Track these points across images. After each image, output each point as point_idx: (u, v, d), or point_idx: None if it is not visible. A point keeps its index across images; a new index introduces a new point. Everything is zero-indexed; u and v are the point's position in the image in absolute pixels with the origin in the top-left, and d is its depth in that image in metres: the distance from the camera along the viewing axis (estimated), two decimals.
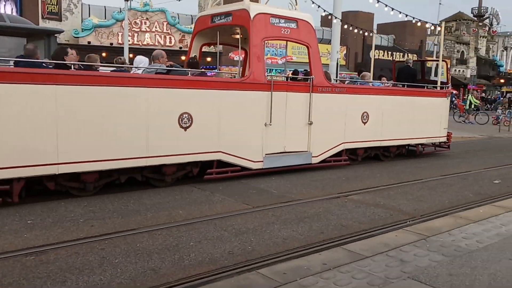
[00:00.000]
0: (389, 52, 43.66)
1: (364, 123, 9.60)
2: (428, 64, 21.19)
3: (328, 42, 26.19)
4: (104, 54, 26.01)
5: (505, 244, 4.13)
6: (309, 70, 8.81)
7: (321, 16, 43.99)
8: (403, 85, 10.76)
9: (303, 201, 6.40)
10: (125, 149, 6.33)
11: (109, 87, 6.19)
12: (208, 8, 9.17)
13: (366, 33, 40.29)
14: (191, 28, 30.50)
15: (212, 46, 15.15)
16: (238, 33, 8.82)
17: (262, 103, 7.84)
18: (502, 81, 54.27)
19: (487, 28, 50.23)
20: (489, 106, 40.31)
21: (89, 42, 25.95)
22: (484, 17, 51.41)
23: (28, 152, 5.55)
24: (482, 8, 51.66)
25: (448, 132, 11.59)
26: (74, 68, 6.06)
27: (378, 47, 43.33)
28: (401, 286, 3.14)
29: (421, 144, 11.26)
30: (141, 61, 7.42)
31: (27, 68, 5.67)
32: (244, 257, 4.14)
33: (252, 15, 7.78)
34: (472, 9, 52.78)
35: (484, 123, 22.27)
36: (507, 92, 44.58)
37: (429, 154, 11.55)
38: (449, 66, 11.91)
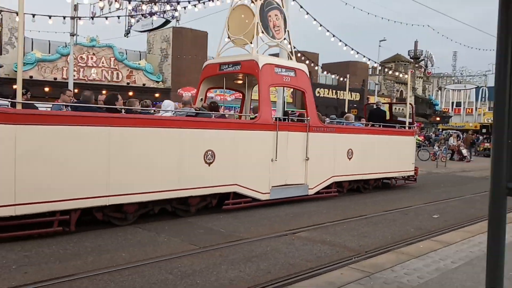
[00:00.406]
0: (334, 91, 45.34)
1: (349, 158, 10.77)
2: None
3: None
4: (47, 89, 25.22)
5: (443, 279, 4.27)
6: (295, 111, 10.55)
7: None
8: (379, 125, 12.26)
9: (251, 239, 6.34)
10: (161, 182, 7.09)
11: (149, 128, 7.02)
12: (215, 57, 10.34)
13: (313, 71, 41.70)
14: (139, 64, 30.41)
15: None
16: (241, 79, 10.58)
17: (269, 141, 8.85)
18: (438, 119, 57.65)
19: (422, 70, 53.61)
20: (427, 143, 42.47)
21: (31, 77, 25.13)
22: (420, 59, 54.95)
23: (85, 185, 6.23)
24: (417, 51, 55.25)
25: (415, 167, 12.96)
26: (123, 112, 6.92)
27: (323, 86, 44.98)
28: None
29: (394, 178, 12.56)
30: (169, 104, 8.50)
31: (87, 112, 6.50)
32: None
33: (260, 65, 8.95)
34: (408, 51, 56.36)
35: (425, 159, 23.34)
36: (443, 129, 47.30)
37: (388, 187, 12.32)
38: (413, 109, 13.90)
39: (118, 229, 6.61)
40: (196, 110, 8.41)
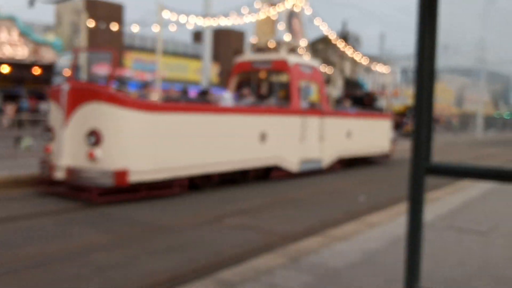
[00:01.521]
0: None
1: (348, 139, 13.41)
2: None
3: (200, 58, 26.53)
4: None
5: (369, 260, 4.51)
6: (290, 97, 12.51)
7: (193, 32, 44.54)
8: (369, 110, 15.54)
9: (175, 229, 6.29)
10: (234, 157, 9.60)
11: (221, 116, 9.55)
12: (246, 55, 13.52)
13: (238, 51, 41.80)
14: (46, 38, 28.59)
15: None
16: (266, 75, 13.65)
17: (297, 124, 11.37)
18: (367, 101, 60.16)
19: (351, 51, 55.65)
20: None
21: None
22: (348, 40, 56.90)
23: (193, 160, 8.80)
24: (346, 31, 57.14)
25: (392, 145, 16.05)
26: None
27: None
28: None
29: (375, 155, 15.41)
30: (230, 96, 10.73)
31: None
32: None
33: (290, 64, 11.87)
34: (338, 32, 58.12)
35: None
36: None
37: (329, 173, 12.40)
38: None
39: (23, 222, 6.25)
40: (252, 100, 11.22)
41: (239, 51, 43.74)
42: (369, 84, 55.77)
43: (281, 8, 12.66)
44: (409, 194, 3.20)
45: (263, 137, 10.24)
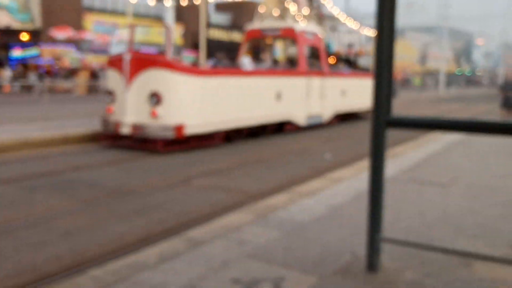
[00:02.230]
0: (227, 32, 44.93)
1: (343, 96, 15.12)
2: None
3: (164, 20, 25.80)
4: None
5: (334, 214, 4.63)
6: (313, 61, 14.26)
7: None
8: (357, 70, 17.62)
9: (144, 191, 6.27)
10: (258, 113, 11.18)
11: (248, 78, 11.31)
12: (256, 23, 14.71)
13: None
14: None
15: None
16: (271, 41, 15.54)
17: (304, 84, 12.92)
18: (330, 58, 60.31)
19: (316, 11, 55.19)
20: None
21: None
22: (314, 0, 56.36)
23: (233, 116, 10.48)
24: None
25: None
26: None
27: (217, 26, 44.29)
28: (240, 266, 3.29)
29: (362, 111, 17.16)
30: (249, 61, 12.23)
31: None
32: (73, 261, 3.89)
33: (297, 32, 13.37)
34: None
35: None
36: None
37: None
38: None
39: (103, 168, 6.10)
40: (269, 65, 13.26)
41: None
42: (335, 44, 55.69)
43: None
44: (371, 147, 3.28)
45: (278, 96, 11.82)
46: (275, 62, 14.23)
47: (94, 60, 30.61)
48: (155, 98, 9.17)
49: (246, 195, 6.15)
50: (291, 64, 13.59)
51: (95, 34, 33.68)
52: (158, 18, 36.01)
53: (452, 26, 50.20)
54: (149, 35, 38.21)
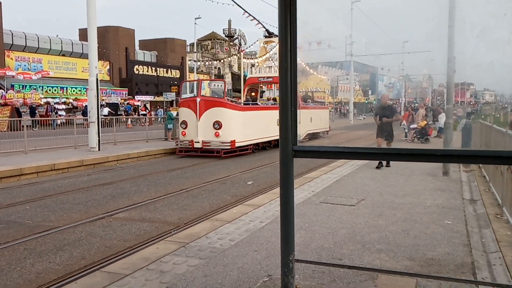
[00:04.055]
0: (153, 68, 44.53)
1: (310, 122, 19.91)
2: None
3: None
4: None
5: (252, 238, 4.64)
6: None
7: (79, 29, 41.93)
8: (316, 103, 25.40)
9: (63, 227, 5.90)
10: (267, 134, 16.04)
11: (261, 111, 16.19)
12: (253, 73, 23.08)
13: (128, 48, 40.22)
14: None
15: None
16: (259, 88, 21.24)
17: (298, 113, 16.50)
18: (253, 94, 61.51)
19: (237, 47, 56.35)
20: None
21: None
22: (234, 37, 57.59)
23: (256, 135, 15.73)
24: (231, 29, 57.75)
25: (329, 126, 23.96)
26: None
27: (142, 63, 43.74)
28: None
29: (321, 132, 22.46)
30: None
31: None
32: None
33: None
34: (223, 30, 58.48)
35: None
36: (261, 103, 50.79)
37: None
38: (225, 84, 19.52)
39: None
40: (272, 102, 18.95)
41: (129, 48, 42.10)
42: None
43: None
44: (281, 175, 3.35)
45: (279, 121, 16.16)
46: (274, 100, 19.55)
47: (18, 96, 28.88)
48: (218, 125, 14.17)
49: (170, 225, 6.00)
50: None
51: (17, 71, 31.90)
52: (85, 56, 34.90)
53: (359, 61, 53.36)
54: (76, 71, 36.93)
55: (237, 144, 14.27)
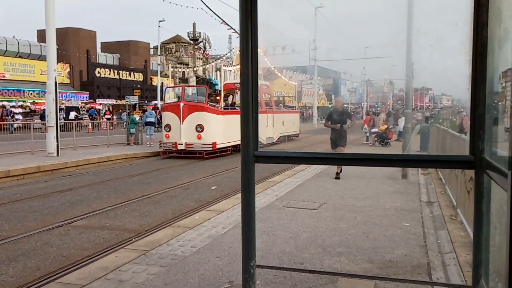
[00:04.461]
0: (116, 71, 43.71)
1: (282, 125, 21.36)
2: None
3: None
4: None
5: (214, 244, 4.61)
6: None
7: (37, 30, 40.75)
8: (287, 108, 28.89)
9: (17, 237, 5.68)
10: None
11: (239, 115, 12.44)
12: (231, 79, 25.02)
13: (89, 51, 39.34)
14: None
15: None
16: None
17: (264, 118, 17.63)
18: (218, 98, 61.35)
19: (202, 51, 56.09)
20: None
21: None
22: (199, 41, 57.28)
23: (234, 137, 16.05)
24: (196, 33, 57.42)
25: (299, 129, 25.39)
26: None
27: (104, 66, 42.85)
28: None
29: (292, 135, 23.59)
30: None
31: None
32: None
33: (258, 84, 17.33)
34: (188, 33, 58.06)
35: None
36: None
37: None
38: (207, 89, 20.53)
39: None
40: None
41: (91, 50, 41.16)
42: (221, 83, 56.97)
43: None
44: (242, 180, 3.34)
45: (269, 123, 18.47)
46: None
47: None
48: (200, 127, 15.09)
49: (131, 232, 5.88)
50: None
51: None
52: (41, 58, 33.86)
53: (322, 66, 54.16)
54: (34, 73, 35.78)
55: (218, 146, 15.33)
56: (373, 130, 19.00)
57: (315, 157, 3.32)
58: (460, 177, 5.69)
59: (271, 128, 19.38)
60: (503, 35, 2.20)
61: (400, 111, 22.92)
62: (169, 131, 15.47)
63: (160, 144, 15.89)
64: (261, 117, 17.18)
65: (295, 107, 31.53)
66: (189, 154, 15.13)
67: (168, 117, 15.70)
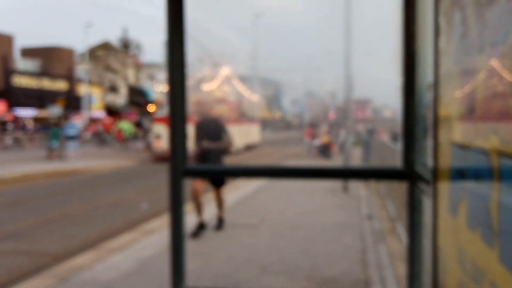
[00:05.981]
0: (37, 79, 41.81)
1: (247, 135, 25.13)
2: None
3: None
4: None
5: (142, 268, 4.49)
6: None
7: None
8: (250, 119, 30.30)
9: None
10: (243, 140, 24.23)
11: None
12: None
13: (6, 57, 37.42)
14: None
15: None
16: None
17: (236, 128, 20.32)
18: (153, 108, 60.24)
19: (133, 59, 55.03)
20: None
21: None
22: (130, 47, 56.18)
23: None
24: (127, 39, 56.29)
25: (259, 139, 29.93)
26: None
27: (23, 73, 40.88)
28: None
29: (256, 144, 27.94)
30: None
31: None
32: None
33: (227, 100, 25.40)
34: (119, 39, 56.76)
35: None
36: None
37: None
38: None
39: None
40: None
41: (7, 56, 39.14)
42: (153, 92, 56.09)
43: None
44: (170, 197, 3.29)
45: (245, 133, 24.06)
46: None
47: None
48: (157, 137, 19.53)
49: (50, 257, 5.59)
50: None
51: None
52: None
53: (263, 76, 55.07)
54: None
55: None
56: (314, 142, 19.50)
57: (249, 170, 3.34)
58: (397, 190, 5.96)
59: (240, 136, 21.91)
60: (429, 49, 2.35)
61: (342, 122, 23.74)
62: (160, 140, 19.43)
63: (149, 149, 21.27)
64: (233, 128, 17.39)
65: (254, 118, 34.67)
66: None
67: (159, 128, 19.71)
